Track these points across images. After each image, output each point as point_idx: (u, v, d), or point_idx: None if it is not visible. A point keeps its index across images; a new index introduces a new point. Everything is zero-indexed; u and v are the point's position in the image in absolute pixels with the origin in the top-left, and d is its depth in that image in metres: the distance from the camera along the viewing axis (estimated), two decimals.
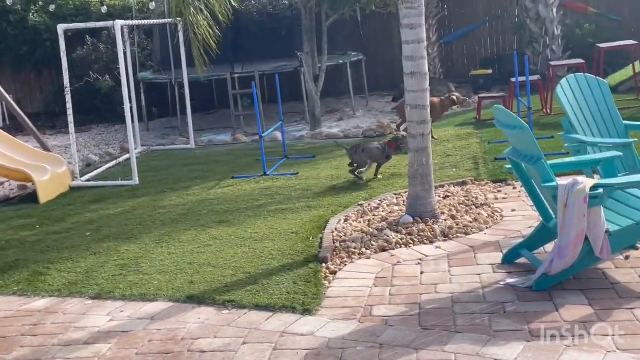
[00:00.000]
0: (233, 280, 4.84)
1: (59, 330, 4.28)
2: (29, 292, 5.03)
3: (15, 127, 12.50)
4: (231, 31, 12.35)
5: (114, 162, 10.05)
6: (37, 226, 6.86)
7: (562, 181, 4.15)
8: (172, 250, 5.68)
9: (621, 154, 4.83)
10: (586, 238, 4.07)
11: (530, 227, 5.27)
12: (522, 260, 4.69)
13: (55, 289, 5.03)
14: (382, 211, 6.23)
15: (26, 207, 7.72)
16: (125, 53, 9.61)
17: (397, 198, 6.63)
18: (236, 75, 12.56)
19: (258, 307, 4.34)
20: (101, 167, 9.76)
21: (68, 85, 8.70)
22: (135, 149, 9.29)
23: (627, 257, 4.56)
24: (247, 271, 4.99)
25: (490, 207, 6.06)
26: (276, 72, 10.64)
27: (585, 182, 4.06)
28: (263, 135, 8.75)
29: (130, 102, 10.15)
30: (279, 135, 10.24)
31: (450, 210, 6.03)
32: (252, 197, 7.31)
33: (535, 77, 10.72)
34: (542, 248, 4.76)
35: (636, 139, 5.43)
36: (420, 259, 5.01)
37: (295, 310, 4.24)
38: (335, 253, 5.20)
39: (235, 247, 5.58)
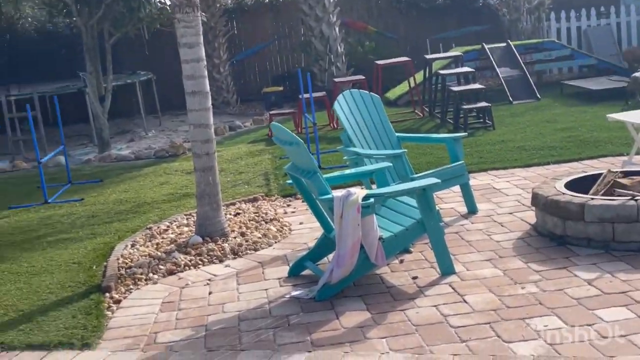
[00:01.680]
0: (3, 320, 4.44)
1: None
2: None
3: None
4: (6, 50, 11.50)
5: None
6: None
7: (337, 193, 4.32)
8: None
9: (391, 164, 5.15)
10: (362, 246, 4.27)
11: (316, 238, 5.42)
12: (307, 272, 4.80)
13: None
14: (172, 233, 6.08)
15: None
16: None
17: (187, 218, 6.53)
18: (12, 98, 11.68)
19: (31, 346, 4.01)
20: None
21: None
22: None
23: (401, 261, 4.85)
24: (20, 309, 4.60)
25: (279, 221, 6.17)
26: (57, 94, 10.06)
27: (358, 193, 4.26)
28: (42, 160, 8.19)
29: None
30: (62, 159, 9.66)
31: (240, 227, 6.04)
32: (30, 227, 6.80)
33: (321, 94, 11.17)
34: (325, 258, 4.91)
35: (406, 150, 5.84)
36: (209, 279, 4.95)
37: (74, 346, 3.98)
38: (120, 281, 4.98)
39: (8, 284, 5.13)
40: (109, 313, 4.46)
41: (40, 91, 11.86)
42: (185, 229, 6.17)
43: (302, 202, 6.78)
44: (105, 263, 5.40)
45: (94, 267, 5.34)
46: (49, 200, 7.79)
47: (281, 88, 14.73)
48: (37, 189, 8.42)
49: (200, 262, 5.31)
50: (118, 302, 4.65)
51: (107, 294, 4.75)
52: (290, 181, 4.95)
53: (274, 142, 4.86)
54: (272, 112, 11.88)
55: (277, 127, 4.64)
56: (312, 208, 4.81)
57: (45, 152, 10.36)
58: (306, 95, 9.32)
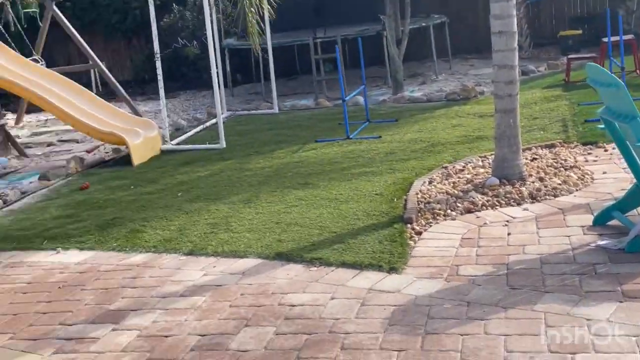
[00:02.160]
0: (319, 239, 4.95)
1: (156, 283, 4.51)
2: (127, 247, 5.30)
3: (107, 94, 13.00)
4: None
5: (201, 127, 10.33)
6: (132, 187, 7.18)
7: None
8: (259, 210, 5.84)
9: None
10: None
11: (622, 189, 5.12)
12: (614, 222, 4.58)
13: (152, 245, 5.28)
14: (467, 173, 6.18)
15: (121, 169, 8.08)
16: (211, 20, 9.78)
17: (482, 160, 6.57)
18: (318, 40, 12.59)
19: (345, 264, 4.43)
20: (189, 131, 10.06)
21: (158, 51, 8.97)
22: (222, 114, 9.49)
23: None
24: (332, 231, 5.09)
25: (579, 169, 5.92)
26: (359, 36, 10.61)
27: None
28: (346, 99, 8.78)
29: (217, 68, 10.36)
30: (361, 99, 10.25)
31: (538, 172, 5.92)
32: (336, 160, 7.39)
33: (629, 37, 10.26)
34: (635, 210, 4.63)
35: None
36: (507, 221, 4.96)
37: (382, 268, 4.31)
38: (419, 214, 5.23)
39: (321, 208, 5.68)
40: (411, 243, 4.73)
41: (343, 34, 12.59)
42: (481, 170, 6.22)
43: (605, 151, 6.43)
44: (405, 196, 5.70)
45: (395, 200, 5.66)
46: (350, 136, 8.37)
47: (579, 31, 13.82)
48: (338, 125, 9.09)
49: (497, 203, 5.34)
50: (419, 233, 4.90)
51: (409, 225, 5.03)
52: (602, 126, 4.70)
53: (588, 84, 4.63)
54: (570, 56, 11.24)
55: (594, 68, 4.41)
56: (625, 156, 4.53)
57: (345, 91, 11.05)
58: (613, 38, 8.66)
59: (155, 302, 4.20)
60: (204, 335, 3.69)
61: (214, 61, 9.06)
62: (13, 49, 9.84)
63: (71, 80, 9.48)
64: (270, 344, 3.50)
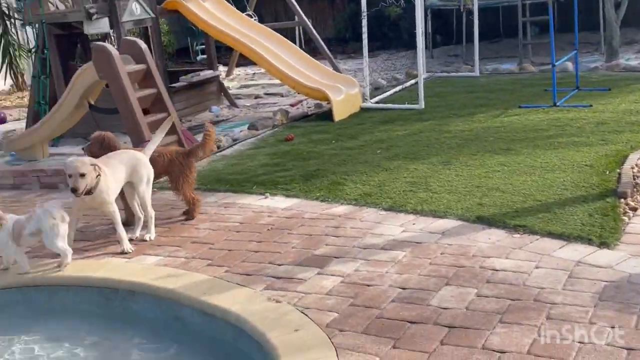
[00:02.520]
0: (523, 206, 4.81)
1: (357, 234, 4.66)
2: (329, 198, 5.50)
3: (309, 51, 13.40)
4: None
5: (400, 87, 10.38)
6: (333, 141, 7.42)
7: None
8: (459, 172, 5.78)
9: None
10: None
11: None
12: None
13: (352, 198, 5.44)
14: None
15: (322, 124, 8.36)
16: None
17: None
18: (527, 2, 12.03)
19: (551, 234, 4.27)
20: (388, 90, 10.14)
21: (365, 10, 9.08)
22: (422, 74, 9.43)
23: None
24: (537, 199, 4.92)
25: None
26: None
27: None
28: (556, 64, 8.34)
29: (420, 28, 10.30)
30: (570, 65, 9.70)
31: None
32: (541, 127, 7.08)
33: None
34: None
35: None
36: None
37: (591, 242, 4.10)
38: (635, 189, 4.89)
39: (524, 175, 5.50)
40: (625, 218, 4.44)
41: None
42: None
43: None
44: (618, 170, 5.35)
45: (607, 172, 5.34)
46: (557, 103, 7.97)
47: None
48: (544, 92, 8.69)
49: None
50: (634, 209, 4.59)
51: (622, 200, 4.72)
52: None
53: None
54: None
55: None
56: None
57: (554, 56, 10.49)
58: None
59: (356, 252, 4.35)
60: (405, 288, 3.76)
61: (419, 21, 8.99)
62: (230, 3, 10.45)
63: (281, 36, 9.91)
64: (471, 305, 3.49)
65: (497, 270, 3.87)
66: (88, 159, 4.65)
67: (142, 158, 5.04)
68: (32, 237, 4.47)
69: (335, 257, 4.30)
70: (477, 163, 6.00)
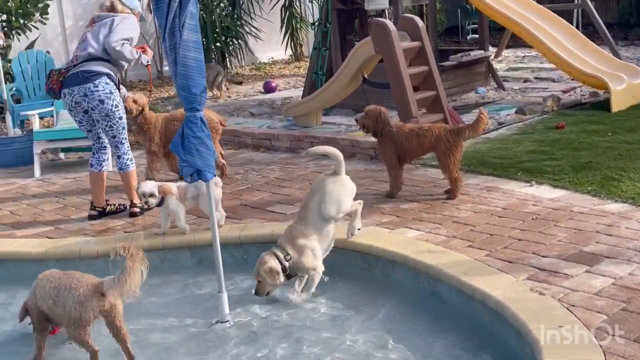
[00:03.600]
0: None
1: (633, 236, 4.31)
2: (602, 194, 5.16)
3: (587, 35, 12.57)
4: None
5: None
6: (609, 133, 6.91)
7: None
8: None
9: None
10: None
11: None
12: None
13: (629, 196, 5.04)
14: None
15: (597, 114, 7.82)
16: None
17: None
18: None
19: None
20: None
21: None
22: None
23: None
24: None
25: None
26: None
27: None
28: None
29: None
30: None
31: None
32: None
33: None
34: None
35: None
36: None
37: None
38: None
39: None
40: None
41: None
42: None
43: None
44: None
45: None
46: None
47: None
48: None
49: None
50: None
51: None
52: None
53: None
54: None
55: None
56: None
57: None
58: None
59: (631, 255, 4.03)
60: None
61: None
62: None
63: (559, 17, 9.41)
64: None
65: None
66: None
67: None
68: (193, 200, 4.92)
69: (606, 257, 4.03)
70: None
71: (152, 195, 4.81)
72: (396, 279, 4.31)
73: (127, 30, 5.37)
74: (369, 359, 3.57)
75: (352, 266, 4.53)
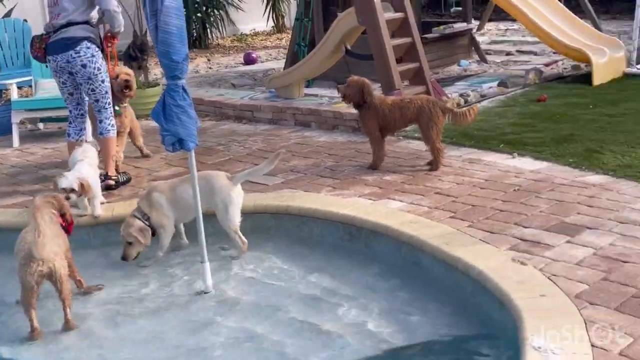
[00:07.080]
0: None
1: (614, 207, 4.34)
2: (583, 166, 5.19)
3: (570, 9, 12.55)
4: None
5: None
6: (590, 106, 6.94)
7: None
8: None
9: None
10: None
11: None
12: None
13: (610, 168, 5.07)
14: None
15: (579, 87, 7.85)
16: None
17: None
18: None
19: None
20: None
21: None
22: None
23: None
24: None
25: None
26: None
27: None
28: None
29: None
30: None
31: None
32: None
33: None
34: None
35: None
36: None
37: None
38: None
39: None
40: None
41: None
42: None
43: None
44: None
45: None
46: None
47: None
48: None
49: None
50: None
51: None
52: None
53: None
54: None
55: None
56: None
57: None
58: None
59: (612, 226, 4.07)
60: None
61: None
62: None
63: None
64: None
65: None
66: None
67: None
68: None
69: (587, 228, 4.06)
70: None
71: (72, 191, 4.51)
72: (378, 249, 4.32)
73: None
74: (351, 328, 3.58)
75: (334, 237, 4.53)
